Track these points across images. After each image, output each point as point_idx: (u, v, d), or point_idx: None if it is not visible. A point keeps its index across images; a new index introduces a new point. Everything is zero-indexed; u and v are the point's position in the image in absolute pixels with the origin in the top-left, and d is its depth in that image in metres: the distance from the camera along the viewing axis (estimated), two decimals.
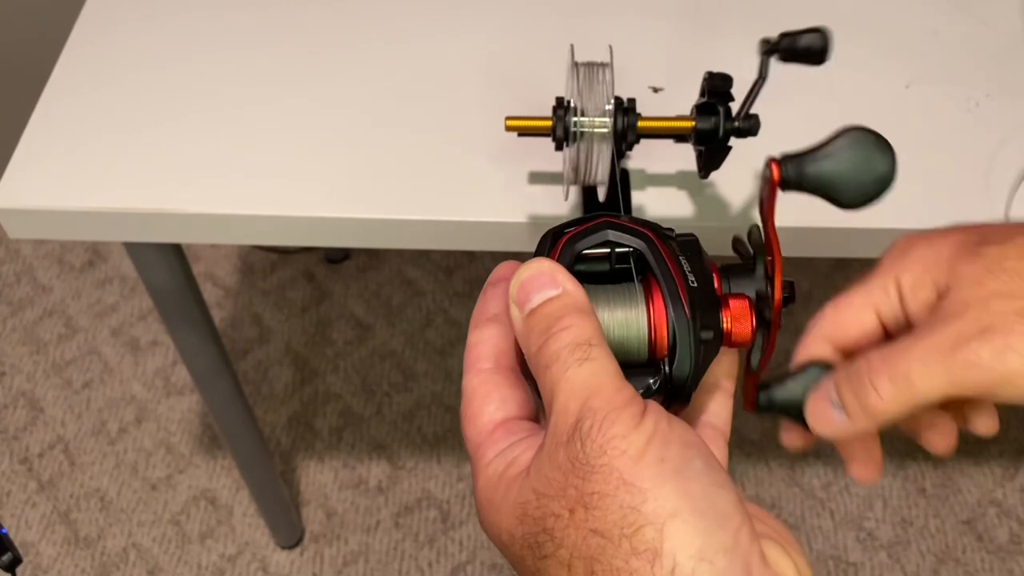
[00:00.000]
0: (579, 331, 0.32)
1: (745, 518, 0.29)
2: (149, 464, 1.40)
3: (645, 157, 0.68)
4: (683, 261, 0.34)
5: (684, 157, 0.62)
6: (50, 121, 0.72)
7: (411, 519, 1.34)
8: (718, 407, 0.38)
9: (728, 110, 0.58)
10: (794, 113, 0.64)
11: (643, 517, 0.28)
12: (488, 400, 0.34)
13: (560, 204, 0.66)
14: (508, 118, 0.58)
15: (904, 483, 1.35)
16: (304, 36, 0.78)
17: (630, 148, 0.58)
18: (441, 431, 1.42)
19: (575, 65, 0.54)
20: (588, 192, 0.64)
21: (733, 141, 0.58)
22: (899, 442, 1.40)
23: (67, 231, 0.69)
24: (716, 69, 0.60)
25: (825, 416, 0.37)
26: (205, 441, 1.42)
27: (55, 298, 1.58)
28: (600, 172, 0.56)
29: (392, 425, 1.43)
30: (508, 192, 0.67)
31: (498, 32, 0.78)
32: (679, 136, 0.59)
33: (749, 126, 0.58)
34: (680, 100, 0.68)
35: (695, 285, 0.34)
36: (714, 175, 0.62)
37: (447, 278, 1.59)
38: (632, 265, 0.36)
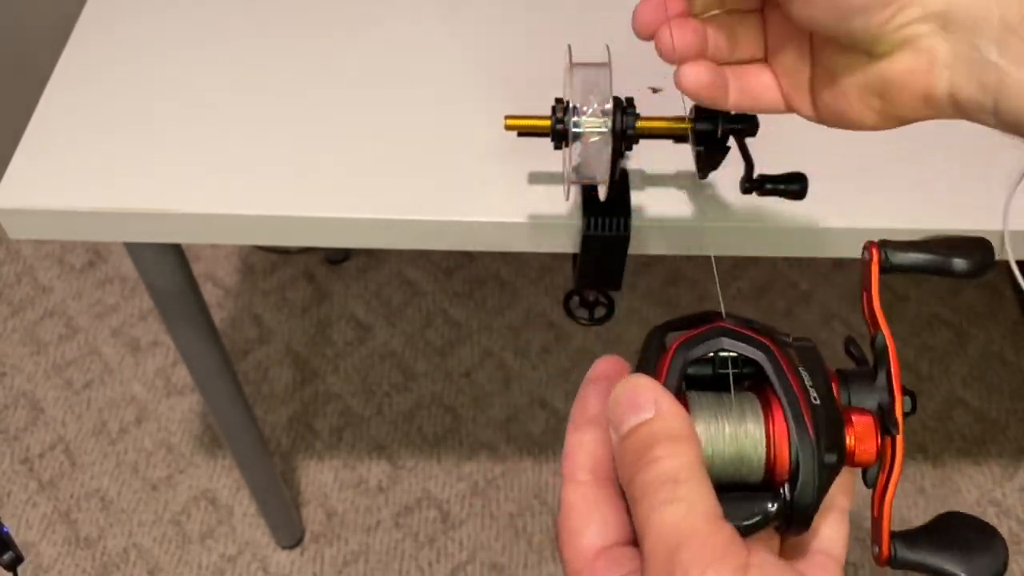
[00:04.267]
0: (668, 464, 0.29)
1: None
2: (149, 464, 1.40)
3: (645, 157, 0.68)
4: (803, 373, 0.32)
5: (683, 157, 0.63)
6: (50, 121, 0.72)
7: (411, 519, 1.34)
8: (833, 531, 0.35)
9: (728, 110, 0.58)
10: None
11: None
12: (588, 521, 0.32)
13: (560, 204, 0.66)
14: (507, 117, 0.58)
15: (903, 483, 1.35)
16: (304, 37, 0.78)
17: (629, 148, 0.58)
18: (441, 431, 1.42)
19: (573, 65, 0.54)
20: (588, 192, 0.64)
21: (732, 142, 0.58)
22: None
23: (67, 231, 0.69)
24: None
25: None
26: (205, 441, 1.42)
27: (55, 298, 1.58)
28: (600, 172, 0.56)
29: (392, 425, 1.43)
30: (508, 192, 0.67)
31: (498, 32, 0.78)
32: (678, 136, 0.59)
33: (748, 127, 0.58)
34: (680, 100, 0.68)
35: (817, 402, 0.32)
36: (713, 175, 0.62)
37: (447, 278, 1.59)
38: (740, 371, 0.34)
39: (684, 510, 0.28)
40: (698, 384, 0.33)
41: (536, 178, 0.68)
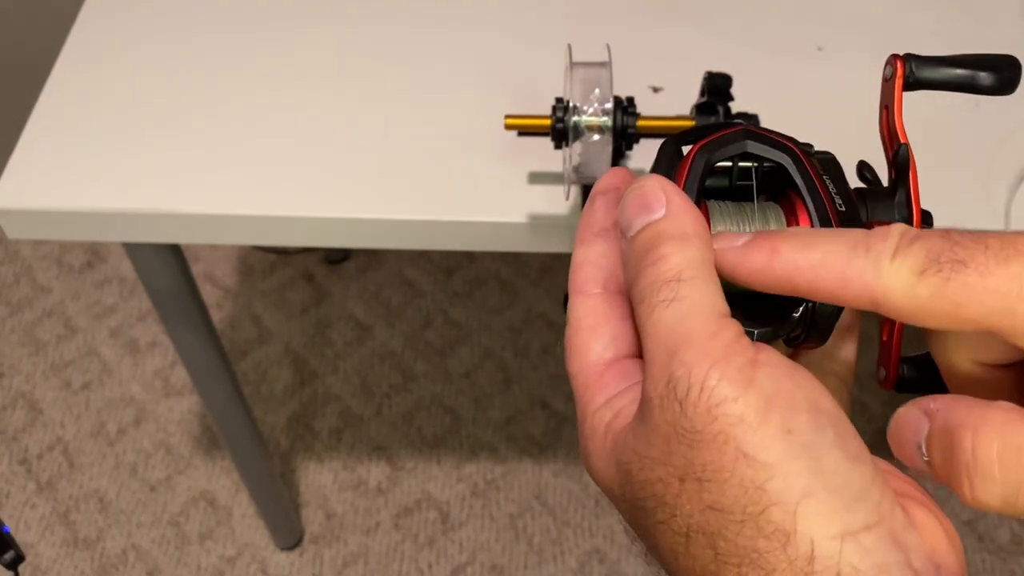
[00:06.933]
0: (673, 262, 0.27)
1: (885, 489, 0.26)
2: (148, 465, 1.39)
3: (645, 157, 0.68)
4: (827, 181, 0.31)
5: None
6: (49, 121, 0.72)
7: (411, 520, 1.34)
8: (846, 351, 0.33)
9: (728, 109, 0.58)
10: (795, 112, 0.64)
11: (768, 497, 0.24)
12: (596, 334, 0.30)
13: (560, 204, 0.66)
14: (507, 117, 0.58)
15: None
16: (303, 37, 0.78)
17: (630, 147, 0.58)
18: (441, 432, 1.42)
19: (573, 65, 0.54)
20: (588, 192, 0.64)
21: None
22: None
23: (66, 231, 0.69)
24: (716, 69, 0.60)
25: None
26: (204, 442, 1.41)
27: (54, 299, 1.57)
28: (600, 171, 0.56)
29: (392, 426, 1.43)
30: (508, 192, 0.67)
31: (498, 32, 0.78)
32: None
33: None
34: (680, 100, 0.68)
35: (843, 209, 0.30)
36: None
37: (447, 278, 1.59)
38: (758, 183, 0.32)
39: (685, 309, 0.26)
40: (715, 197, 0.32)
41: (536, 178, 0.68)
